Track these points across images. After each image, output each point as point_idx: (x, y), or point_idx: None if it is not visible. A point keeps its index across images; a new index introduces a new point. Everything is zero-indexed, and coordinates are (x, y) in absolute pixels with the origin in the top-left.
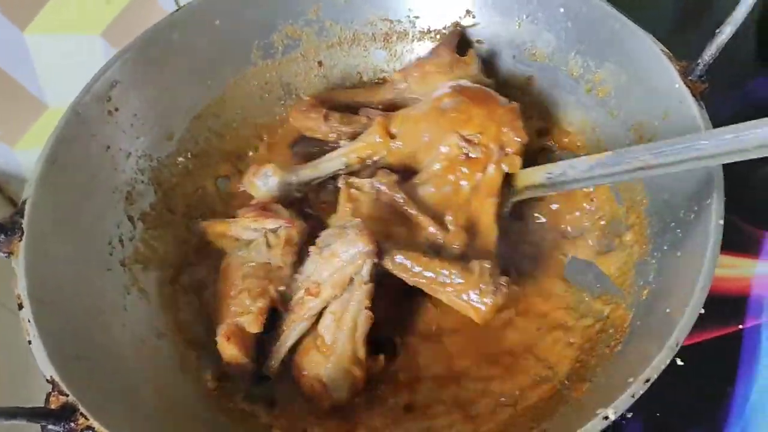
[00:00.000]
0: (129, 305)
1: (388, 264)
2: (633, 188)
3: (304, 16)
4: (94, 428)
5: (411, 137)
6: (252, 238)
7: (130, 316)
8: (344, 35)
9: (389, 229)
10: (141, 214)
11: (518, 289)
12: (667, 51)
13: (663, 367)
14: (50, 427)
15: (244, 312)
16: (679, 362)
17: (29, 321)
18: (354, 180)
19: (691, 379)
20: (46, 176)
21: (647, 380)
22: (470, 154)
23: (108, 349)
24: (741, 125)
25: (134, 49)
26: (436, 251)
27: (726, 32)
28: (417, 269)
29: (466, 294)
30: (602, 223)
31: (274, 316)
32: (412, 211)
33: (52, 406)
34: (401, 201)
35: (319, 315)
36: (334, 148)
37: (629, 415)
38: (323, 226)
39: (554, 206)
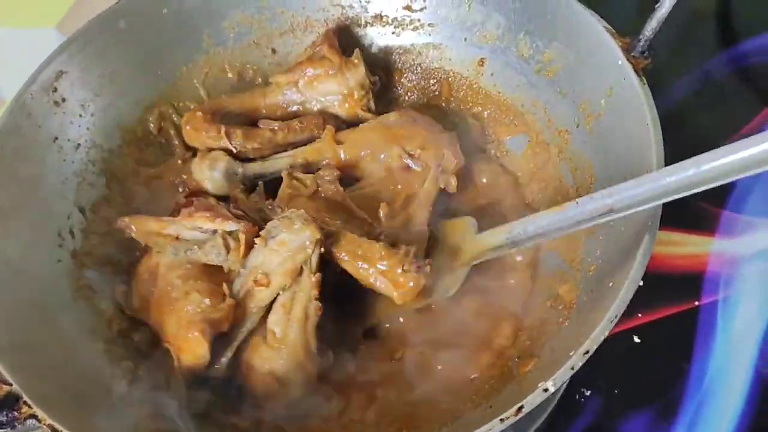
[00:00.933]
0: (79, 298)
1: (329, 242)
2: (582, 166)
3: (255, 3)
4: (37, 416)
5: (356, 145)
6: (197, 238)
7: (79, 310)
8: (296, 22)
9: (327, 221)
10: (92, 205)
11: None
12: (610, 28)
13: (602, 338)
14: None
15: (205, 311)
16: (636, 339)
17: None
18: (298, 174)
19: (648, 356)
20: None
21: (586, 352)
22: (411, 166)
23: (55, 342)
24: (701, 158)
25: (79, 38)
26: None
27: (666, 5)
28: (342, 243)
29: (389, 272)
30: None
31: None
32: (349, 204)
33: None
34: (340, 195)
35: (267, 311)
36: None
37: (588, 393)
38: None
39: None
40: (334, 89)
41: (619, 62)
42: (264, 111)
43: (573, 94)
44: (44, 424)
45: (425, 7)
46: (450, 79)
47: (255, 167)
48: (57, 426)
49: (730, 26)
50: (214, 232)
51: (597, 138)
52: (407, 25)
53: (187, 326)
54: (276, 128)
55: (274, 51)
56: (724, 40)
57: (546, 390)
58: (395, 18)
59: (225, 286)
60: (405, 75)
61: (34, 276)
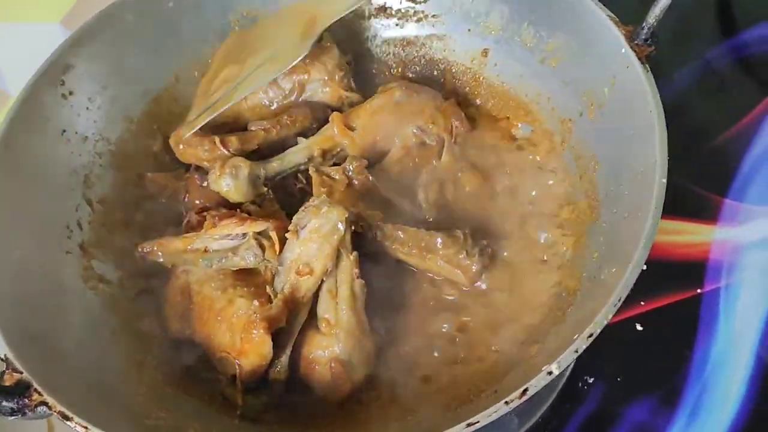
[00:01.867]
0: (88, 288)
1: (378, 236)
2: (586, 155)
3: None
4: (47, 403)
5: (369, 128)
6: (226, 247)
7: (88, 300)
8: None
9: (365, 212)
10: (100, 198)
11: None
12: (613, 16)
13: (605, 322)
14: (4, 403)
15: (257, 311)
16: (639, 327)
17: None
18: (324, 168)
19: (651, 343)
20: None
21: (590, 335)
22: (426, 141)
23: (64, 331)
24: None
25: (87, 31)
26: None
27: None
28: (404, 238)
29: (455, 258)
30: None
31: None
32: (385, 193)
33: (6, 383)
34: (372, 184)
35: (313, 303)
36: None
37: (591, 380)
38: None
39: None
40: (314, 77)
41: (623, 50)
42: (247, 115)
43: (576, 83)
44: (55, 411)
45: None
46: (454, 69)
47: (274, 166)
48: (67, 413)
49: (732, 16)
50: (244, 236)
51: (601, 126)
52: (411, 17)
53: (247, 327)
54: (268, 127)
55: None
56: (725, 30)
57: (550, 373)
58: (399, 9)
59: (268, 288)
60: (409, 66)
61: (42, 267)
